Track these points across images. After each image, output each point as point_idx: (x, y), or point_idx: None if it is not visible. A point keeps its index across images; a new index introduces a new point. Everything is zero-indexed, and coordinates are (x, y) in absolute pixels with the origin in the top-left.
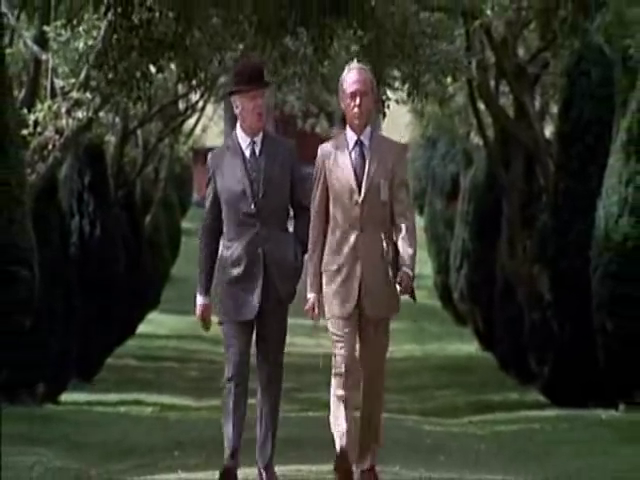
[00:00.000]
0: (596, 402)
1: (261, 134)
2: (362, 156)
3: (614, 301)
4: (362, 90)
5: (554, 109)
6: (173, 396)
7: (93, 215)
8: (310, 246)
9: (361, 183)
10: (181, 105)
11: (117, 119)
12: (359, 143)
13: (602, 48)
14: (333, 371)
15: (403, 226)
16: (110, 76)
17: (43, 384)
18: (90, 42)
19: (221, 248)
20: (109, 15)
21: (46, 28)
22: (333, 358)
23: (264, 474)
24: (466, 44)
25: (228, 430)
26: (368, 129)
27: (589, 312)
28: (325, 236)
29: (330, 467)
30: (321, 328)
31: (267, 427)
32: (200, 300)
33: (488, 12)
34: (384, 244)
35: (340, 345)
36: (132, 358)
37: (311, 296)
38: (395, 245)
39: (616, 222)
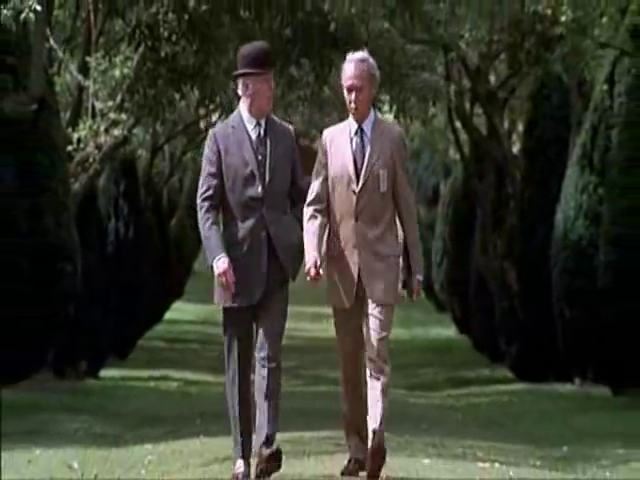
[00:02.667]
0: (555, 377)
1: (265, 117)
2: (363, 145)
3: (570, 292)
4: (357, 86)
5: (520, 128)
6: (195, 373)
7: (127, 219)
8: (312, 207)
9: (360, 172)
10: (202, 124)
11: (147, 136)
12: (360, 131)
13: (561, 76)
14: (341, 376)
15: (411, 229)
16: (141, 101)
17: (85, 362)
18: (125, 71)
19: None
20: (140, 49)
21: (88, 59)
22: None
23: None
24: (445, 73)
25: (237, 438)
26: (371, 116)
27: (550, 301)
28: (328, 208)
29: (329, 433)
30: (326, 315)
31: (268, 416)
32: (221, 257)
33: (463, 45)
34: (380, 233)
35: (343, 340)
36: (160, 340)
37: (311, 255)
38: (398, 237)
39: (573, 225)
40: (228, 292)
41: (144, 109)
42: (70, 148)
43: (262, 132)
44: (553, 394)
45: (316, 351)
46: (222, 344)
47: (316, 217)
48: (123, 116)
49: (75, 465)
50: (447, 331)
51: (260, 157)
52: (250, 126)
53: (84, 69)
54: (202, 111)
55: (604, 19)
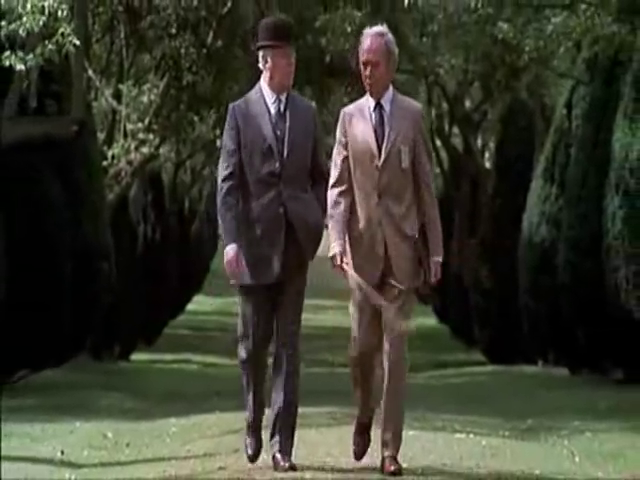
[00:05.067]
0: (522, 360)
1: (285, 92)
2: (382, 120)
3: (534, 287)
4: (372, 60)
5: (492, 146)
6: (213, 356)
7: (154, 224)
8: (336, 190)
9: (381, 148)
10: (218, 143)
11: (172, 153)
12: (379, 107)
13: (526, 102)
14: (350, 351)
15: (430, 203)
16: (166, 123)
17: (118, 347)
18: (152, 97)
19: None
20: (165, 78)
21: (120, 87)
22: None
23: (279, 457)
24: (427, 98)
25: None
26: (389, 92)
27: (517, 295)
28: (351, 189)
29: (327, 409)
30: (328, 307)
31: (285, 405)
32: (232, 247)
33: (442, 72)
34: (404, 211)
35: (359, 318)
36: (183, 328)
37: (337, 243)
38: (419, 214)
39: (537, 229)
40: (244, 269)
41: (169, 130)
42: (105, 164)
43: (282, 107)
44: (520, 374)
45: (317, 338)
46: (236, 332)
47: (340, 202)
48: (151, 136)
49: (109, 435)
50: (429, 320)
51: (279, 132)
52: (270, 100)
53: (117, 95)
54: (218, 131)
55: (561, 49)
